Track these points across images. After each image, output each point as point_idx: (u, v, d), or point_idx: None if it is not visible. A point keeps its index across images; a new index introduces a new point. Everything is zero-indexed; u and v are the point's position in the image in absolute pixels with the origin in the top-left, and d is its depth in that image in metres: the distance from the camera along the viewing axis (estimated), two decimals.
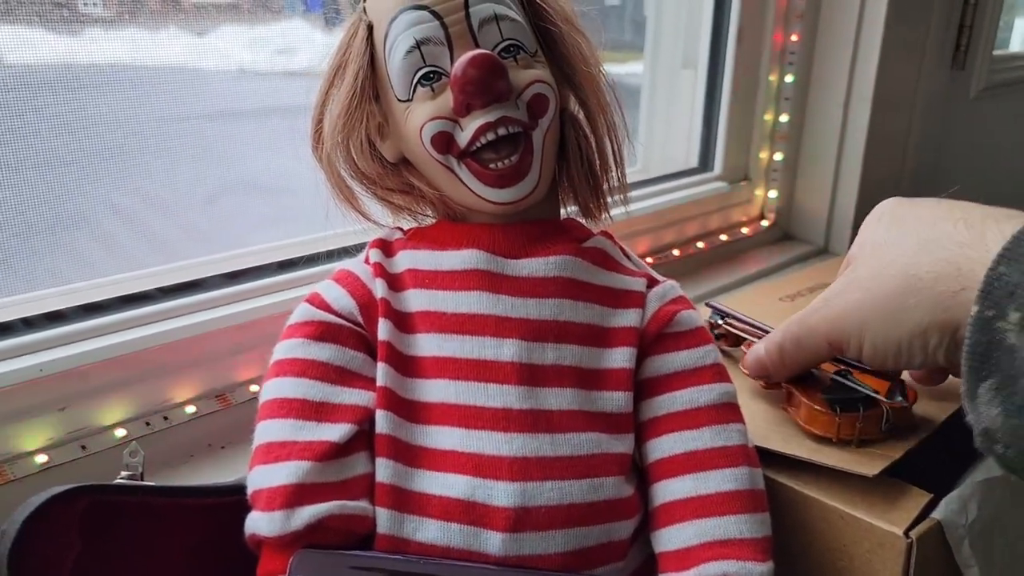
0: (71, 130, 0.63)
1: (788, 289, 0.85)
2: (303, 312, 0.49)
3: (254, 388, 0.62)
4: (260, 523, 0.43)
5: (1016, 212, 0.44)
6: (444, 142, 0.47)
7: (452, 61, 0.46)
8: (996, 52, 1.36)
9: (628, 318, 0.50)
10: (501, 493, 0.44)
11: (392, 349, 0.47)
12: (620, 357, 0.49)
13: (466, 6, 0.46)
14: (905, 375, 0.56)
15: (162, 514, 0.46)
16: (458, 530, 0.43)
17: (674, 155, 1.08)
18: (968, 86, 1.30)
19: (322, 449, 0.44)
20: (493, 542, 0.43)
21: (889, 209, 0.51)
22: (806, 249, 1.10)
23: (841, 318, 0.49)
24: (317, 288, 0.51)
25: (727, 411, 0.49)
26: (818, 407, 0.53)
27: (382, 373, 0.47)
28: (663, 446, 0.49)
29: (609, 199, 0.54)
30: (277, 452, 0.44)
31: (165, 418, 0.58)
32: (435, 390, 0.47)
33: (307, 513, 0.42)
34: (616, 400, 0.48)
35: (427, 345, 0.48)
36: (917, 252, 0.45)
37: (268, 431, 0.46)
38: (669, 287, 0.53)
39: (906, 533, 0.44)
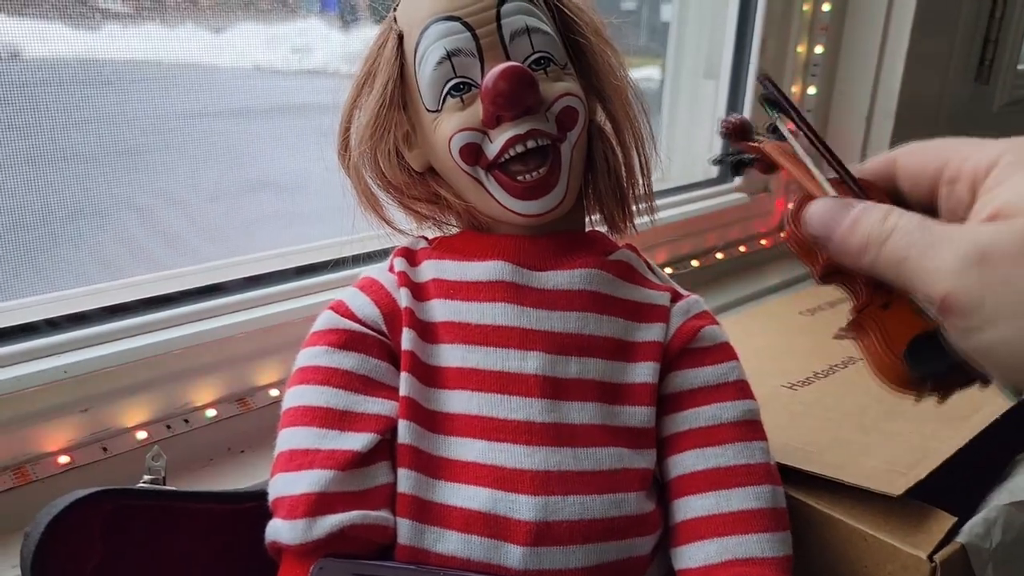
0: (87, 126, 0.64)
1: (808, 303, 0.85)
2: (327, 320, 0.49)
3: (274, 392, 0.62)
4: (281, 531, 0.43)
5: None
6: (472, 153, 0.47)
7: (483, 73, 0.46)
8: (1020, 67, 1.35)
9: (652, 332, 0.50)
10: (523, 507, 0.44)
11: (416, 359, 0.47)
12: (643, 372, 0.49)
13: (498, 18, 0.46)
14: None
15: (183, 519, 0.46)
16: (479, 543, 0.43)
17: (694, 165, 1.07)
18: (992, 100, 1.29)
19: (345, 458, 0.44)
20: (514, 556, 0.43)
21: None
22: None
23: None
24: (341, 296, 0.51)
25: (750, 428, 0.49)
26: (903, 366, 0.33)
27: (405, 383, 0.47)
28: (685, 462, 0.48)
29: (635, 210, 0.54)
30: (300, 460, 0.44)
31: (186, 421, 0.58)
32: (458, 401, 0.47)
33: (329, 522, 0.42)
34: (639, 415, 0.48)
35: (451, 356, 0.48)
36: None
37: (291, 438, 0.46)
38: (693, 302, 0.52)
39: (930, 557, 0.44)
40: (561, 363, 0.47)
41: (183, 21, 0.70)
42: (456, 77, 0.47)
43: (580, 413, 0.47)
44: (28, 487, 0.51)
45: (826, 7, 1.01)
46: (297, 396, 0.47)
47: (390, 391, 0.47)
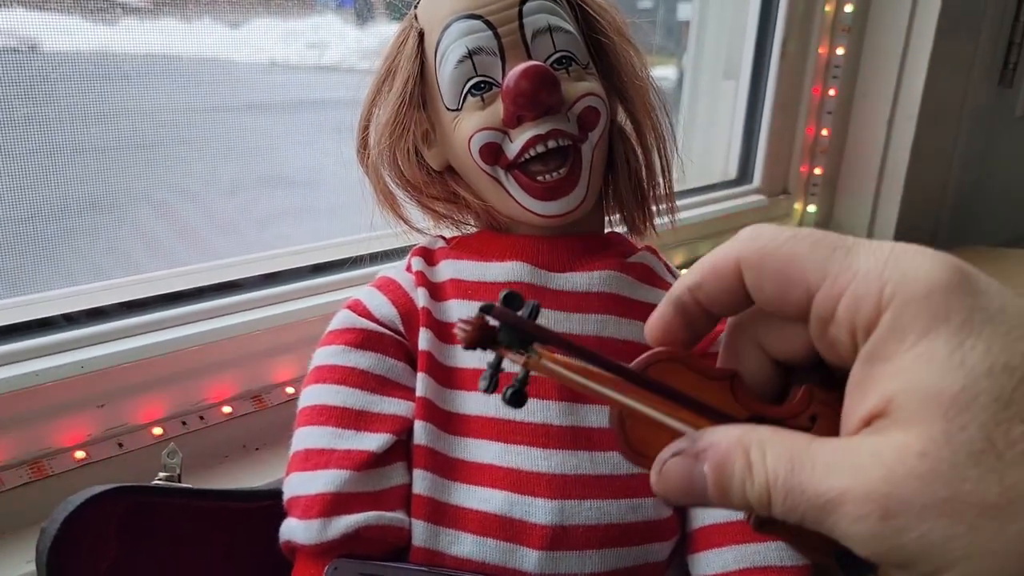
0: (104, 120, 0.64)
1: None
2: (344, 319, 0.49)
3: (290, 390, 0.62)
4: (296, 530, 0.43)
5: None
6: (492, 153, 0.46)
7: (504, 72, 0.46)
8: None
9: None
10: (539, 510, 0.43)
11: (433, 360, 0.47)
12: None
13: (520, 16, 0.46)
14: None
15: (198, 516, 0.46)
16: (494, 546, 0.43)
17: (712, 166, 1.07)
18: (1015, 104, 1.27)
19: (361, 458, 0.44)
20: (529, 559, 0.43)
21: (956, 292, 0.22)
22: None
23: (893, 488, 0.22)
24: (358, 295, 0.51)
25: None
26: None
27: (422, 384, 0.46)
28: None
29: (655, 211, 0.53)
30: (315, 460, 0.44)
31: (201, 418, 0.58)
32: (474, 403, 0.46)
33: (344, 523, 0.42)
34: None
35: (468, 357, 0.47)
36: None
37: (307, 438, 0.45)
38: None
39: None
40: None
41: (200, 16, 0.70)
42: (477, 76, 0.46)
43: (598, 417, 0.46)
44: (44, 482, 0.51)
45: (848, 8, 1.00)
46: (313, 395, 0.47)
47: (406, 391, 0.47)
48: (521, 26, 0.46)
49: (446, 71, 0.47)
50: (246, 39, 0.78)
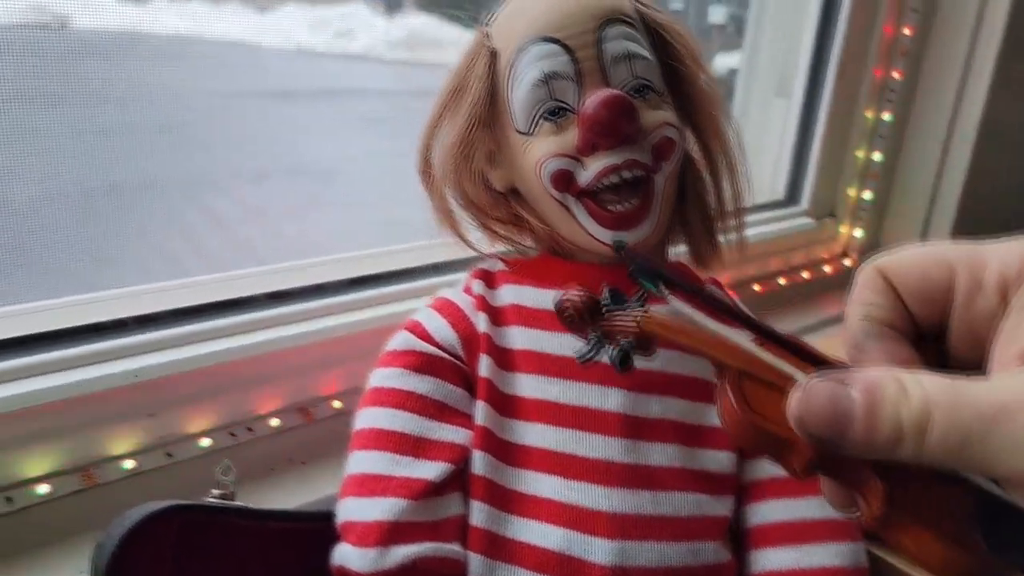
0: (131, 100, 0.64)
1: None
2: (403, 340, 0.48)
3: (337, 404, 0.61)
4: (351, 557, 0.42)
5: None
6: (564, 180, 0.46)
7: (580, 97, 0.45)
8: None
9: None
10: (598, 549, 0.42)
11: (492, 387, 0.46)
12: None
13: (599, 42, 0.45)
14: None
15: (251, 535, 0.46)
16: None
17: (759, 186, 1.05)
18: None
19: (419, 487, 0.43)
20: None
21: None
22: None
23: None
24: (417, 316, 0.50)
25: None
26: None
27: (481, 412, 0.46)
28: (765, 512, 0.47)
29: (723, 242, 0.52)
30: (372, 486, 0.43)
31: (249, 429, 0.57)
32: (534, 434, 0.46)
33: (401, 553, 0.41)
34: (720, 459, 0.47)
35: (528, 386, 0.47)
36: None
37: (364, 462, 0.45)
38: None
39: None
40: (643, 402, 0.46)
41: None
42: (552, 101, 0.45)
43: (660, 455, 0.45)
44: (93, 491, 0.51)
45: (907, 31, 0.98)
46: (371, 418, 0.46)
47: (464, 418, 0.46)
48: (600, 52, 0.45)
49: (520, 94, 0.46)
50: (274, 25, 0.78)
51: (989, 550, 0.24)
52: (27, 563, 0.49)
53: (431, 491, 0.43)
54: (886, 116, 1.02)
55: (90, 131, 0.62)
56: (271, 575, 0.47)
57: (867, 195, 1.06)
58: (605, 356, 0.41)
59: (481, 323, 0.48)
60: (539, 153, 0.46)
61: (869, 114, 1.02)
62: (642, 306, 0.31)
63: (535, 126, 0.46)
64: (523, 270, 0.51)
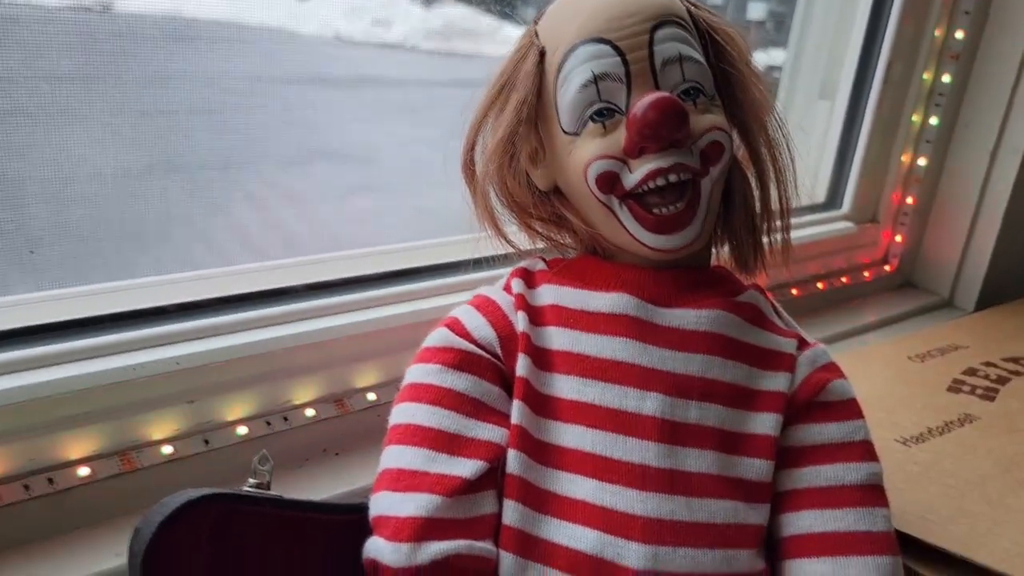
0: (169, 82, 0.64)
1: (916, 347, 0.81)
2: (442, 337, 0.48)
3: (371, 396, 0.62)
4: (384, 551, 0.42)
5: None
6: (609, 182, 0.45)
7: (628, 99, 0.44)
8: None
9: (777, 382, 0.47)
10: (632, 554, 0.42)
11: (529, 387, 0.46)
12: (766, 423, 0.47)
13: (651, 44, 0.44)
14: None
15: (285, 525, 0.46)
16: None
17: (800, 188, 1.03)
18: None
19: (454, 484, 0.43)
20: None
21: None
22: (929, 300, 1.05)
23: None
24: (456, 313, 0.50)
25: (874, 493, 0.46)
26: None
27: (517, 411, 0.45)
28: (801, 522, 0.46)
29: (768, 249, 0.52)
30: (407, 481, 0.44)
31: (285, 419, 0.58)
32: (570, 435, 0.45)
33: (434, 549, 0.41)
34: (757, 467, 0.46)
35: (566, 387, 0.46)
36: None
37: (399, 457, 0.45)
38: (820, 352, 0.50)
39: None
40: (681, 407, 0.45)
41: None
42: (600, 102, 0.45)
43: (697, 461, 0.45)
44: (133, 474, 0.52)
45: (959, 35, 0.95)
46: (407, 413, 0.46)
47: (501, 417, 0.46)
48: (651, 54, 0.44)
49: (568, 94, 0.45)
50: (313, 11, 0.78)
51: None
52: (66, 543, 0.50)
53: (466, 488, 0.43)
54: (933, 120, 1.00)
55: (129, 112, 0.63)
56: (304, 565, 0.47)
57: (910, 200, 1.04)
58: None
59: (520, 322, 0.48)
60: (585, 154, 0.45)
61: (916, 118, 1.00)
62: None
63: (582, 127, 0.46)
64: (563, 270, 0.50)
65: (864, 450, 0.47)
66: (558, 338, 0.47)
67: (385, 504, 0.44)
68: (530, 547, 0.43)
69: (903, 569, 0.46)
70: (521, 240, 0.54)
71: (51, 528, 0.50)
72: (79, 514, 0.51)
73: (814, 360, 0.49)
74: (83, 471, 0.51)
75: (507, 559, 0.43)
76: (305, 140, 0.80)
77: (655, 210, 0.45)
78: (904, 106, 0.99)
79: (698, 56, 0.45)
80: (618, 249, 0.49)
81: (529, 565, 0.43)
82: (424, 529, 0.42)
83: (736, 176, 0.49)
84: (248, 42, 0.69)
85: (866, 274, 1.04)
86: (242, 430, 0.56)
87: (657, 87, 0.44)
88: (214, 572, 0.43)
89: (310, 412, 0.59)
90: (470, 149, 0.51)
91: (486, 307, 0.49)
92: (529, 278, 0.51)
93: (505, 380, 0.47)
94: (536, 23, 0.49)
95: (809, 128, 1.03)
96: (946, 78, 0.98)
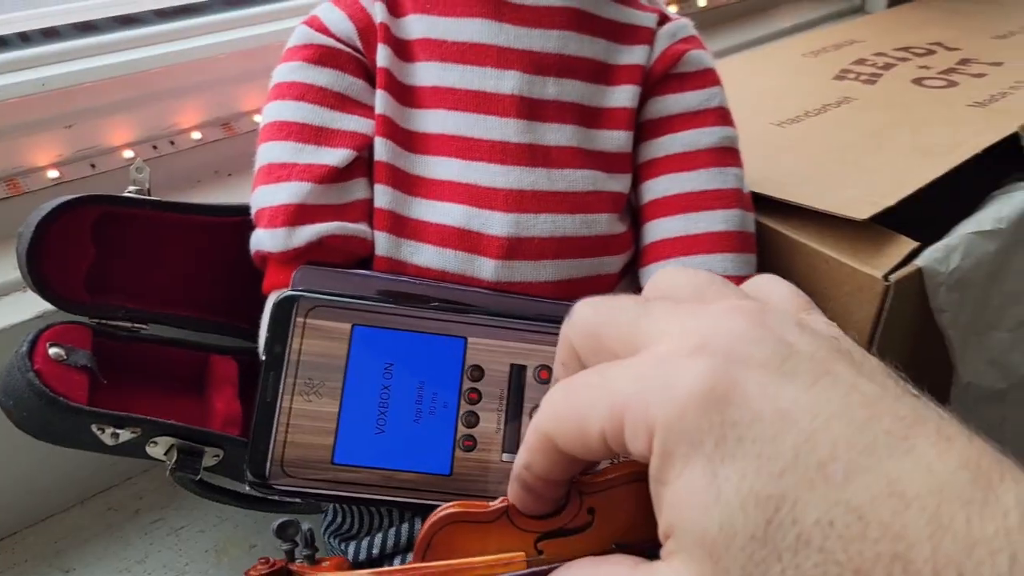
0: None
1: (813, 45, 0.82)
2: (301, 35, 0.48)
3: (257, 118, 0.62)
4: (264, 239, 0.45)
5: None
6: None
7: None
8: None
9: (635, 55, 0.48)
10: (496, 223, 0.45)
11: (391, 77, 0.47)
12: (623, 96, 0.48)
13: None
14: None
15: (171, 228, 0.48)
16: (453, 256, 0.45)
17: None
18: None
19: (322, 172, 0.45)
20: (486, 268, 0.45)
21: (709, 408, 0.20)
22: (844, 5, 1.04)
23: None
24: (315, 10, 0.49)
25: (726, 155, 0.49)
26: None
27: (381, 100, 0.46)
28: (659, 187, 0.49)
29: None
30: (278, 173, 0.45)
31: (172, 143, 0.58)
32: (434, 120, 0.47)
33: (308, 231, 0.44)
34: (615, 139, 0.48)
35: (426, 74, 0.47)
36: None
37: (269, 152, 0.46)
38: (681, 25, 0.51)
39: (885, 277, 0.46)
40: (539, 84, 0.46)
41: None
42: None
43: (556, 135, 0.47)
44: (20, 198, 0.53)
45: None
46: (274, 112, 0.47)
47: (366, 109, 0.47)
48: None
49: None
50: None
51: None
52: None
53: (335, 176, 0.45)
54: None
55: None
56: (194, 265, 0.50)
57: None
58: None
59: (378, 13, 0.47)
60: None
61: None
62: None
63: None
64: None
65: (718, 115, 0.49)
66: (416, 26, 0.47)
67: (261, 197, 0.46)
68: (402, 226, 0.46)
69: (755, 224, 0.50)
70: None
71: None
72: None
73: (674, 33, 0.50)
74: None
75: (381, 238, 0.46)
76: None
77: None
78: None
79: None
80: None
81: (402, 242, 0.46)
82: (297, 214, 0.44)
83: None
84: None
85: None
86: (128, 154, 0.57)
87: None
88: (99, 271, 0.46)
89: (196, 135, 0.59)
90: None
91: (343, 1, 0.49)
92: None
93: (368, 73, 0.48)
94: None
95: None
96: None
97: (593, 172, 0.47)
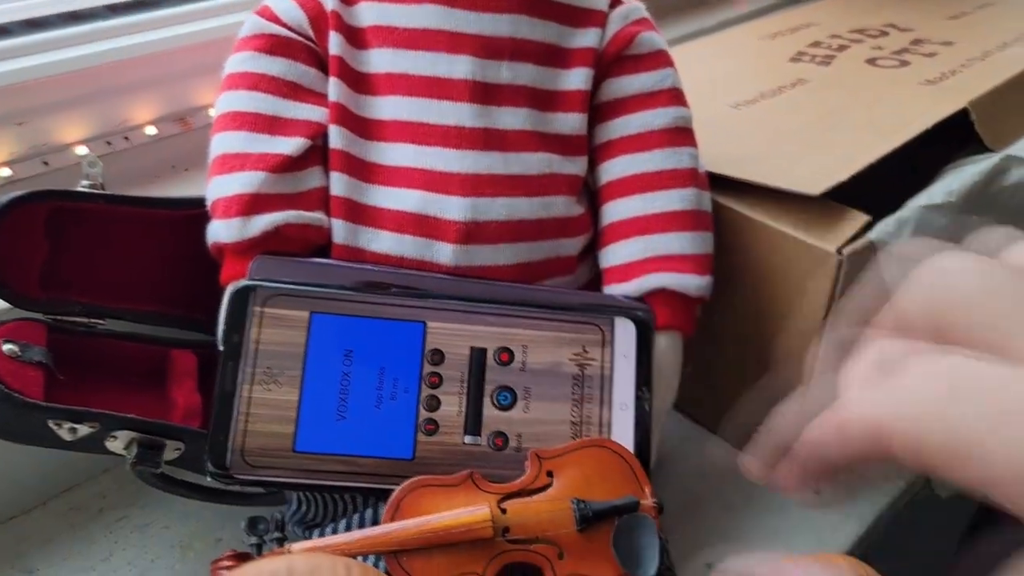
0: None
1: (769, 29, 0.83)
2: (252, 25, 0.48)
3: (213, 112, 0.61)
4: (219, 230, 0.45)
5: None
6: None
7: None
8: None
9: (587, 38, 0.49)
10: (453, 207, 0.45)
11: (344, 64, 0.47)
12: (576, 78, 0.48)
13: None
14: None
15: (125, 223, 0.48)
16: (411, 241, 0.45)
17: None
18: None
19: (276, 161, 0.45)
20: (444, 253, 0.45)
21: None
22: None
23: None
24: (266, 0, 0.49)
25: (680, 135, 0.49)
26: None
27: (334, 88, 0.46)
28: (615, 168, 0.49)
29: None
30: (232, 163, 0.45)
31: (126, 138, 0.58)
32: (388, 107, 0.47)
33: (263, 221, 0.44)
34: (570, 122, 0.48)
35: (379, 61, 0.47)
36: None
37: (223, 143, 0.46)
38: (633, 8, 0.51)
39: (839, 251, 0.46)
40: (492, 68, 0.46)
41: None
42: None
43: (511, 119, 0.47)
44: None
45: None
46: (227, 102, 0.47)
47: (319, 97, 0.47)
48: None
49: None
50: None
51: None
52: None
53: (289, 165, 0.45)
54: None
55: None
56: (150, 259, 0.49)
57: None
58: None
59: (329, 1, 0.47)
60: None
61: None
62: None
63: None
64: None
65: (671, 96, 0.50)
66: (368, 13, 0.47)
67: (215, 188, 0.45)
68: (358, 213, 0.46)
69: (711, 203, 0.50)
70: None
71: None
72: None
73: (626, 16, 0.50)
74: None
75: (338, 225, 0.46)
76: None
77: None
78: None
79: None
80: None
81: (359, 229, 0.46)
82: (251, 204, 0.44)
83: None
84: None
85: None
86: (81, 150, 0.56)
87: None
88: (53, 266, 0.45)
89: (151, 130, 0.59)
90: None
91: None
92: None
93: (321, 61, 0.48)
94: None
95: None
96: None
97: (548, 155, 0.47)
